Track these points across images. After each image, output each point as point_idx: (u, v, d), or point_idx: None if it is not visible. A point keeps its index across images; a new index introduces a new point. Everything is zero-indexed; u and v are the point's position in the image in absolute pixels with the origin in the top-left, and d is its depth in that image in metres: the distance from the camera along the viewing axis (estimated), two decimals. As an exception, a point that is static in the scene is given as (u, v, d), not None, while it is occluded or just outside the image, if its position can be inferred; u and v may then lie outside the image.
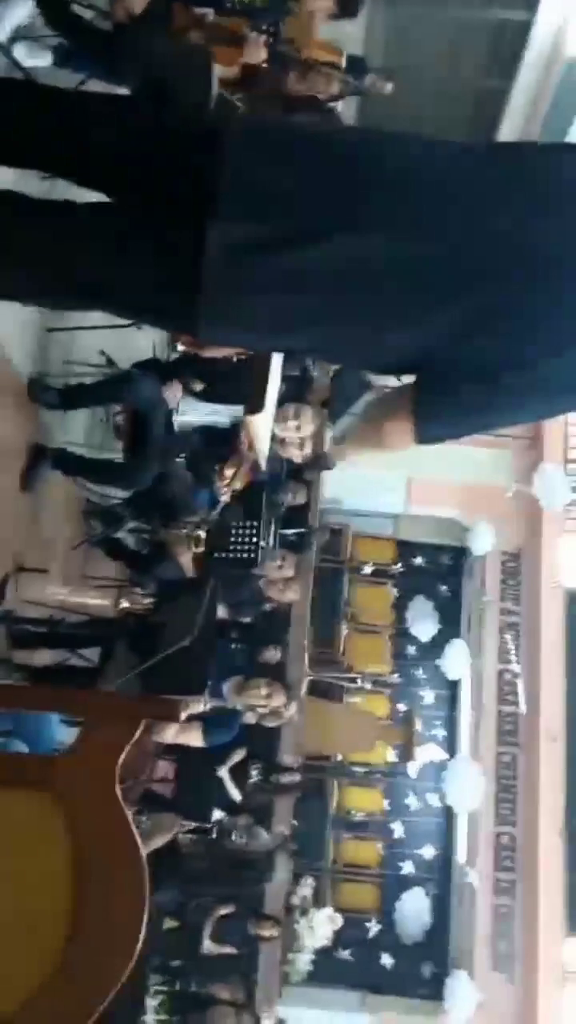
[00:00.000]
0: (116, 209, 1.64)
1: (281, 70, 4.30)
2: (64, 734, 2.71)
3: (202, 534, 4.94)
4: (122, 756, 1.01)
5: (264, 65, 3.88)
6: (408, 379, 1.61)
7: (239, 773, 6.12)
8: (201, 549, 4.96)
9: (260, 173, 1.47)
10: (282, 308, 1.47)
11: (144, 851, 1.07)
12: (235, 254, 1.44)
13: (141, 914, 0.94)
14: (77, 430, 4.91)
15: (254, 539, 5.34)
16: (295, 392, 6.32)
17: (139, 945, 0.93)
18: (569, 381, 1.52)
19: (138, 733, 1.04)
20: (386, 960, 9.15)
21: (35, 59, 3.43)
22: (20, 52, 3.34)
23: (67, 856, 0.97)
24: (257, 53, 3.68)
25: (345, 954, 8.96)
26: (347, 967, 8.93)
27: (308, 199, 1.46)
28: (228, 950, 6.04)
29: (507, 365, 1.49)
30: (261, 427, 2.43)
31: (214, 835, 5.68)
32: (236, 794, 6.02)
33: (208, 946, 5.83)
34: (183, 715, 4.10)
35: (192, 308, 1.47)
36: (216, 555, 5.24)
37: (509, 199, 1.51)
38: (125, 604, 5.58)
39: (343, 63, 5.79)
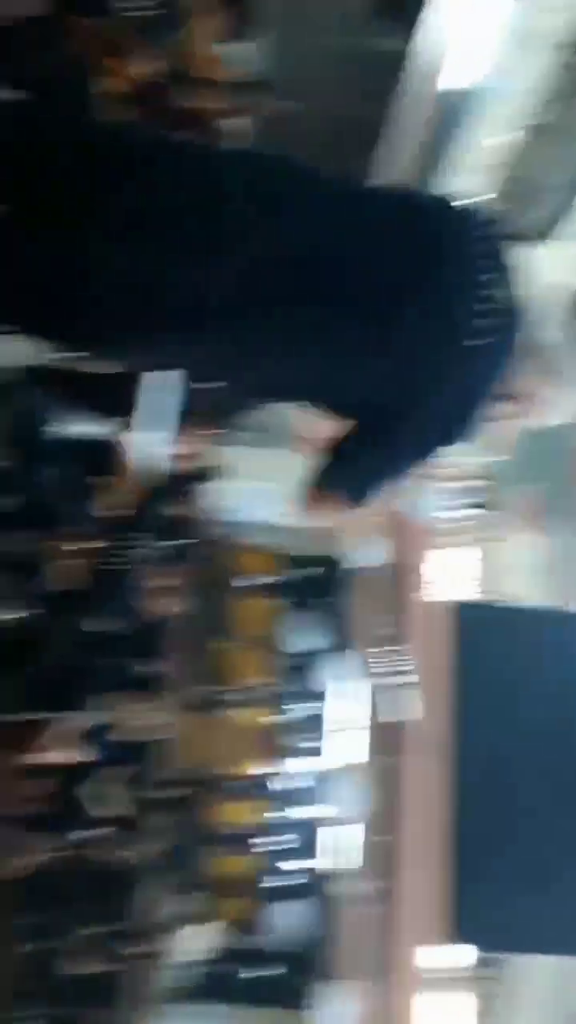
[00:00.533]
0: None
1: (169, 86, 4.29)
2: None
3: (78, 545, 4.86)
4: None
5: (153, 81, 3.86)
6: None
7: (112, 790, 6.02)
8: (77, 560, 4.87)
9: (135, 195, 1.47)
10: (141, 348, 1.47)
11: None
12: (101, 284, 1.43)
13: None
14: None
15: (132, 550, 5.28)
16: (186, 402, 6.29)
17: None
18: (449, 410, 1.58)
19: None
20: (255, 971, 9.15)
21: None
22: None
23: None
24: (144, 66, 3.65)
25: (218, 968, 8.91)
26: (215, 980, 8.88)
27: (178, 233, 1.46)
28: (92, 969, 5.91)
29: (406, 408, 1.53)
30: (139, 440, 2.41)
31: (80, 849, 5.56)
32: (108, 812, 5.91)
33: (71, 966, 5.70)
34: (55, 739, 4.03)
35: (66, 328, 1.45)
36: (94, 567, 5.16)
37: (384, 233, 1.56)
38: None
39: (236, 80, 5.83)
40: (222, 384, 1.64)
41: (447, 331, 1.50)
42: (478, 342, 1.53)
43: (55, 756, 4.34)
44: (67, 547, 4.77)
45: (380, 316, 1.48)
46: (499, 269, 1.63)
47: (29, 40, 3.64)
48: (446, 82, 6.98)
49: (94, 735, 4.57)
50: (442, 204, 1.74)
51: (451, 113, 7.13)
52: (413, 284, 1.51)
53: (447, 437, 1.62)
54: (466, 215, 1.72)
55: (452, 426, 1.59)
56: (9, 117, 1.64)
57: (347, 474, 1.58)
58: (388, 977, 8.38)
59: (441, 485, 9.11)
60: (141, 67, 3.68)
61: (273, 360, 1.48)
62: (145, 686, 5.05)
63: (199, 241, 1.44)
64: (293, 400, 1.63)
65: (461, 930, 8.26)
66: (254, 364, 1.49)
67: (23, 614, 4.68)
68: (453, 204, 1.75)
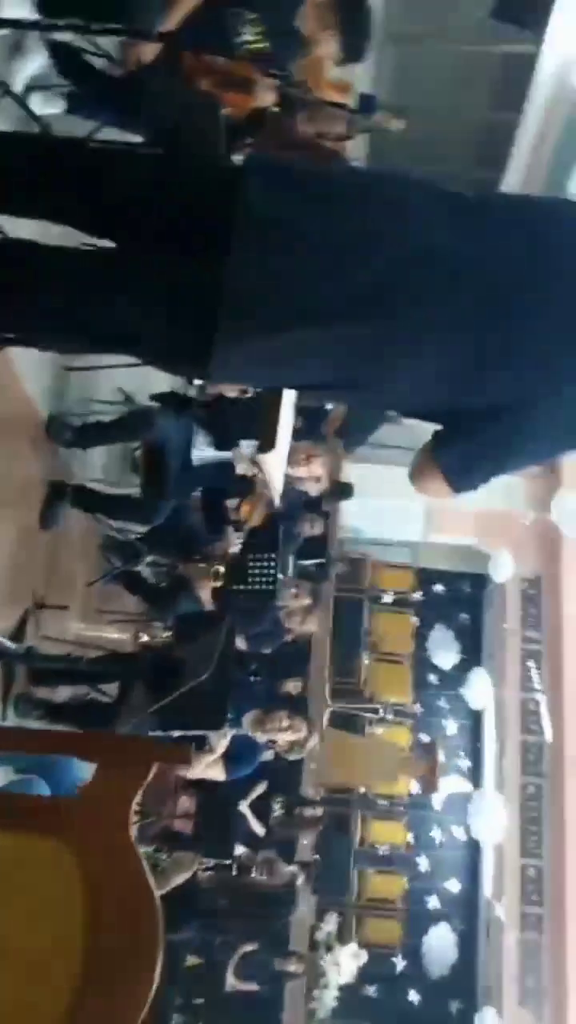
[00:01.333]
0: (127, 257, 1.67)
1: (290, 113, 4.36)
2: (87, 772, 2.70)
3: (221, 568, 4.95)
4: (134, 801, 1.03)
5: (274, 109, 3.95)
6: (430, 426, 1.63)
7: (261, 807, 6.09)
8: (220, 583, 4.97)
9: (275, 210, 1.51)
10: (295, 344, 1.50)
11: (162, 891, 1.08)
12: (250, 292, 1.47)
13: (154, 962, 0.94)
14: (95, 466, 4.97)
15: (272, 571, 5.34)
16: (311, 425, 6.36)
17: (152, 993, 0.94)
18: (571, 419, 1.54)
19: (150, 777, 1.06)
20: (413, 996, 9.01)
21: (49, 107, 3.51)
22: (35, 102, 3.42)
23: (79, 902, 0.98)
24: (267, 97, 3.74)
25: (371, 990, 8.84)
26: (373, 1004, 8.81)
27: (321, 237, 1.49)
28: (252, 987, 5.97)
29: (518, 406, 1.51)
30: (274, 465, 2.46)
31: (234, 871, 5.64)
32: (259, 828, 5.99)
33: (232, 983, 5.77)
34: (207, 746, 4.12)
35: (206, 352, 1.50)
36: (235, 588, 5.25)
37: (511, 237, 1.54)
38: (144, 638, 5.60)
39: (353, 102, 5.87)
40: (355, 394, 1.63)
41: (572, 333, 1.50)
42: None
43: (206, 773, 4.44)
44: (210, 569, 4.89)
45: (508, 315, 1.47)
46: None
47: (154, 87, 3.80)
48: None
49: (243, 753, 4.64)
50: (571, 204, 1.71)
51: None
52: (543, 284, 1.50)
53: (565, 444, 1.60)
54: None
55: (569, 433, 1.56)
56: (149, 169, 1.73)
57: (461, 455, 1.56)
58: (555, 1005, 8.08)
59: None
60: (264, 97, 3.77)
61: (408, 361, 1.49)
62: (291, 704, 5.09)
63: (340, 247, 1.49)
64: (423, 407, 1.61)
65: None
66: (389, 365, 1.50)
67: (171, 633, 4.83)
68: None
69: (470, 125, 8.38)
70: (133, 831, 1.03)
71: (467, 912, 9.37)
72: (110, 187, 1.65)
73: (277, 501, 3.94)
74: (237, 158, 2.57)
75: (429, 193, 1.60)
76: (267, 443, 2.23)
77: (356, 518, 9.01)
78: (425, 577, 10.34)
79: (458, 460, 1.56)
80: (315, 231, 1.50)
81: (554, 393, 1.51)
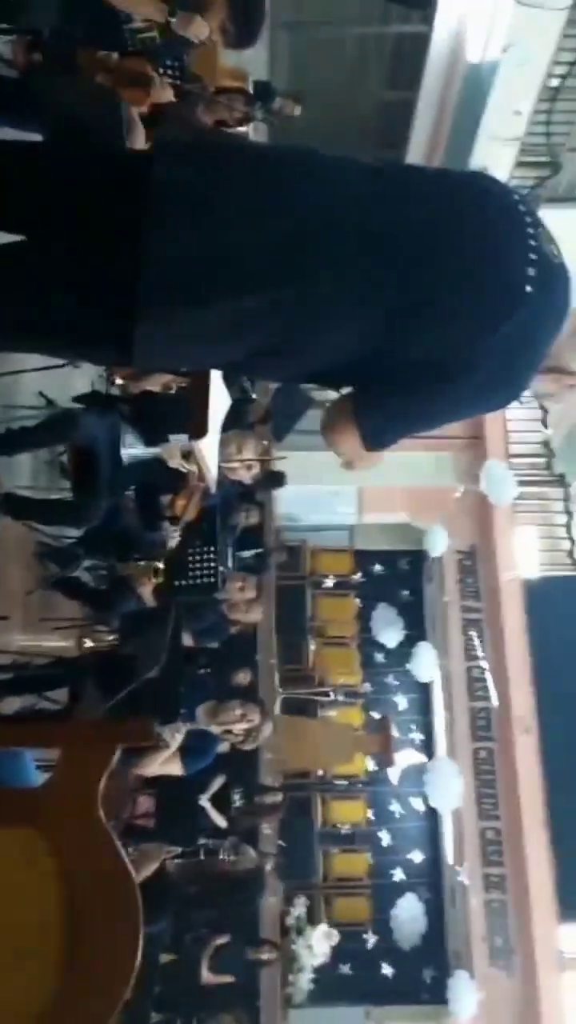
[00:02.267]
0: (38, 249, 1.64)
1: (189, 105, 4.36)
2: (39, 779, 2.69)
3: (161, 565, 4.93)
4: (103, 781, 1.04)
5: (175, 101, 3.94)
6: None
7: (221, 800, 6.10)
8: (161, 580, 4.95)
9: (185, 183, 1.51)
10: (219, 317, 1.51)
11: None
12: (167, 268, 1.47)
13: (136, 934, 0.96)
14: (23, 473, 4.90)
15: (213, 564, 5.34)
16: (235, 417, 6.35)
17: (136, 964, 0.95)
18: (493, 375, 1.59)
19: (115, 758, 1.07)
20: (386, 970, 9.15)
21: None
22: None
23: (56, 888, 0.99)
24: (164, 93, 3.72)
25: (345, 969, 8.95)
26: (349, 982, 8.91)
27: (234, 206, 1.51)
28: (227, 979, 5.99)
29: (437, 365, 1.55)
30: (208, 451, 2.47)
31: (201, 857, 5.65)
32: (220, 821, 5.99)
33: (207, 977, 5.78)
34: (163, 742, 4.11)
35: (127, 333, 1.49)
36: (177, 584, 5.24)
37: (419, 203, 1.59)
38: (88, 644, 5.55)
39: (249, 88, 5.89)
40: (281, 363, 1.63)
41: (499, 283, 1.52)
42: (531, 290, 1.52)
43: (163, 769, 4.43)
44: (149, 568, 4.87)
45: (431, 270, 1.51)
46: (541, 225, 1.66)
47: (51, 78, 3.76)
48: (470, 57, 6.93)
49: (199, 746, 4.64)
50: (478, 174, 1.77)
51: (477, 87, 7.09)
52: (460, 240, 1.54)
53: (490, 399, 1.64)
54: (501, 183, 1.75)
55: (495, 387, 1.60)
56: (49, 159, 1.72)
57: (380, 415, 1.58)
58: (524, 961, 8.29)
59: (510, 463, 9.03)
60: (162, 93, 3.76)
61: (331, 323, 1.52)
62: (243, 695, 5.10)
63: (252, 214, 1.51)
64: (347, 370, 1.63)
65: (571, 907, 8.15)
66: (311, 328, 1.52)
67: (116, 635, 4.80)
68: (487, 174, 1.79)
69: (369, 107, 8.46)
70: (102, 813, 1.04)
71: (432, 880, 9.55)
72: (10, 182, 1.64)
73: (214, 488, 3.94)
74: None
75: (338, 161, 1.63)
76: (199, 429, 2.23)
77: (290, 506, 9.06)
78: (363, 558, 10.46)
79: (378, 419, 1.59)
80: (227, 201, 1.51)
81: (470, 353, 1.55)
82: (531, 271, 1.56)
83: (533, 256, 1.57)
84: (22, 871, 1.02)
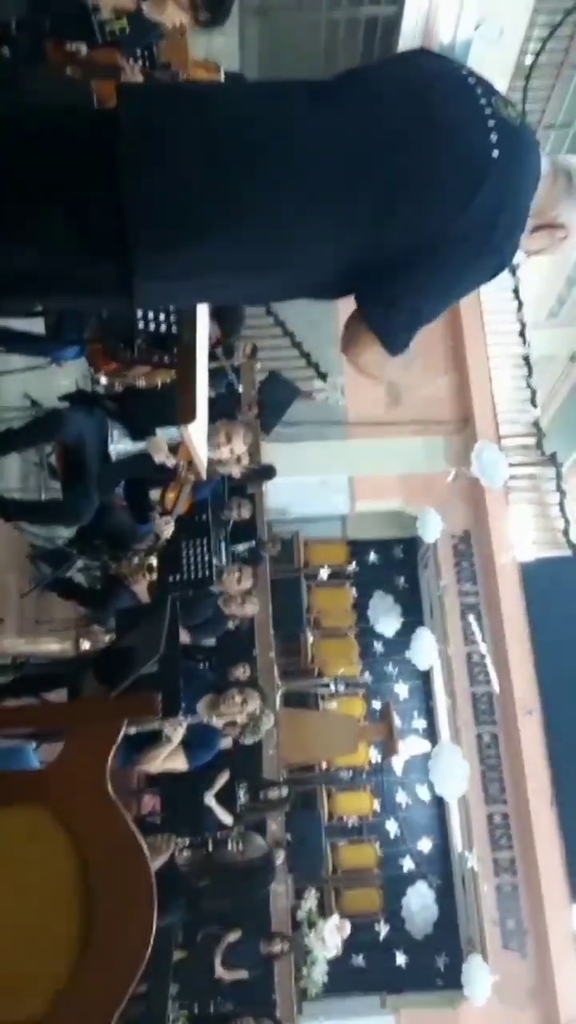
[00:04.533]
0: (20, 206, 1.63)
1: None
2: (39, 765, 2.65)
3: (154, 561, 4.89)
4: (111, 756, 1.00)
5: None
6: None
7: (226, 796, 6.07)
8: (155, 576, 4.91)
9: (159, 120, 1.54)
10: (217, 232, 1.52)
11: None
12: (155, 202, 1.49)
13: (150, 905, 0.93)
14: (12, 476, 4.86)
15: (206, 557, 5.31)
16: (224, 409, 6.32)
17: (152, 934, 0.92)
18: (480, 242, 1.61)
19: (121, 733, 1.03)
20: (400, 959, 9.13)
21: None
22: None
23: (70, 861, 0.95)
24: (133, 77, 3.69)
25: (359, 960, 8.93)
26: (362, 972, 8.90)
27: (209, 134, 1.54)
28: (241, 975, 5.97)
29: (425, 249, 1.59)
30: (196, 437, 2.42)
31: (210, 848, 5.62)
32: (226, 818, 5.96)
33: (220, 973, 5.76)
34: (164, 736, 4.07)
35: (125, 267, 1.51)
36: (171, 580, 5.20)
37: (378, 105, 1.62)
38: (85, 644, 5.51)
39: (221, 78, 5.84)
40: (279, 275, 1.65)
41: (463, 158, 1.57)
42: (497, 154, 1.57)
43: (167, 765, 4.39)
44: (143, 564, 4.82)
45: (394, 168, 1.54)
46: (495, 93, 1.69)
47: (21, 71, 3.71)
48: (442, 36, 6.90)
49: (202, 740, 4.61)
50: (419, 54, 1.80)
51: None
52: (418, 131, 1.57)
53: (482, 268, 1.66)
54: (444, 59, 1.77)
55: (483, 255, 1.60)
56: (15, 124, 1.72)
57: (381, 301, 1.60)
58: (537, 943, 8.29)
59: (501, 445, 9.01)
60: (131, 79, 3.72)
61: (311, 229, 1.53)
62: (240, 687, 5.06)
63: (224, 140, 1.52)
64: (342, 273, 1.64)
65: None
66: (300, 237, 1.54)
67: (112, 633, 4.75)
68: (429, 52, 1.84)
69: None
70: (110, 787, 1.00)
71: (442, 868, 9.53)
72: None
73: (204, 475, 3.91)
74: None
75: (291, 85, 1.68)
76: (187, 414, 2.19)
77: (282, 498, 9.02)
78: (357, 548, 10.43)
79: (387, 313, 1.63)
80: (192, 134, 1.54)
81: (453, 228, 1.58)
82: (493, 137, 1.61)
83: (491, 123, 1.62)
84: (34, 847, 0.99)
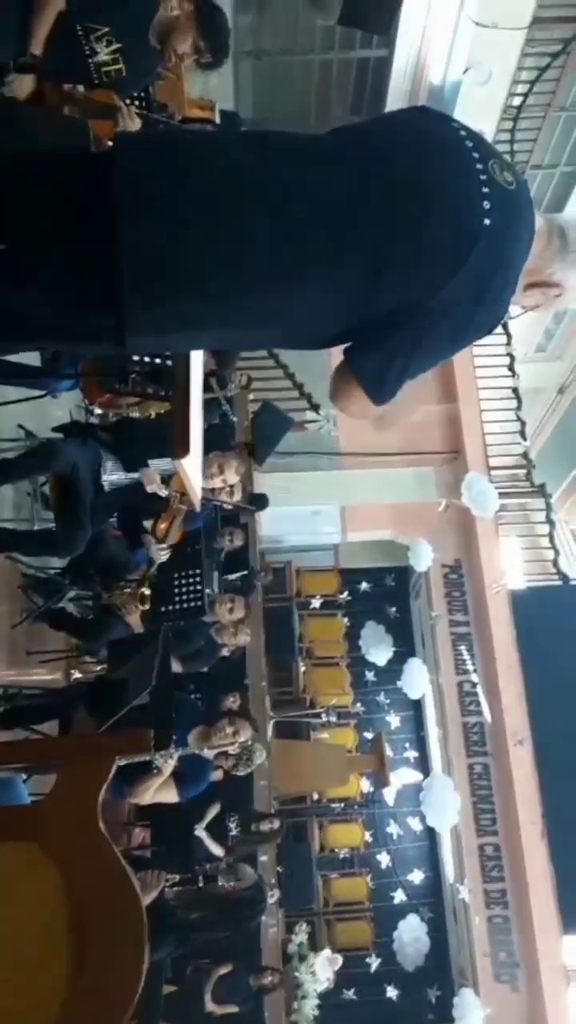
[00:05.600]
0: (20, 253, 1.67)
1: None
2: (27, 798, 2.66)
3: (147, 591, 4.91)
4: (102, 792, 1.03)
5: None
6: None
7: (217, 828, 6.04)
8: (147, 606, 4.92)
9: (152, 176, 1.57)
10: (209, 290, 1.55)
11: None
12: (149, 251, 1.52)
13: (141, 940, 0.95)
14: (5, 506, 4.88)
15: (199, 587, 5.33)
16: (217, 440, 6.37)
17: (143, 970, 0.94)
18: (472, 302, 1.63)
19: (112, 771, 1.06)
20: (391, 992, 9.05)
21: None
22: None
23: (61, 897, 0.98)
24: (132, 123, 3.76)
25: (350, 994, 8.84)
26: (354, 1006, 8.81)
27: (203, 189, 1.56)
28: (232, 1009, 5.91)
29: (414, 308, 1.60)
30: (191, 470, 2.46)
31: (200, 883, 5.58)
32: (217, 850, 5.93)
33: (211, 1007, 5.70)
34: (155, 768, 4.07)
35: (118, 316, 1.54)
36: (163, 610, 5.21)
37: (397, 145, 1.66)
38: (77, 675, 5.50)
39: (216, 118, 5.96)
40: (279, 328, 1.67)
41: (453, 227, 1.58)
42: (489, 222, 1.58)
43: (158, 797, 4.38)
44: (136, 594, 4.84)
45: (383, 232, 1.55)
46: (492, 156, 1.70)
47: (20, 109, 3.78)
48: (432, 78, 7.05)
49: (193, 771, 4.60)
50: (420, 112, 1.82)
51: (440, 107, 7.21)
52: (410, 195, 1.58)
53: (473, 328, 1.67)
54: (444, 119, 1.79)
55: (474, 317, 1.62)
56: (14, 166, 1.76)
57: (376, 363, 1.62)
58: (529, 975, 8.21)
59: (491, 475, 9.07)
60: (130, 124, 3.80)
61: (303, 295, 1.56)
62: (232, 717, 5.06)
63: (221, 197, 1.53)
64: (335, 327, 1.67)
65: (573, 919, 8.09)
66: (299, 290, 1.55)
67: (104, 664, 4.76)
68: (429, 109, 1.85)
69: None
70: (102, 824, 1.03)
71: (433, 900, 9.47)
72: None
73: (198, 507, 3.94)
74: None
75: (293, 141, 1.70)
76: (181, 447, 2.23)
77: (274, 527, 9.06)
78: (349, 577, 10.47)
79: (374, 369, 1.63)
80: (188, 190, 1.56)
81: (441, 292, 1.59)
82: (486, 204, 1.62)
83: (485, 189, 1.63)
84: (25, 884, 1.01)
